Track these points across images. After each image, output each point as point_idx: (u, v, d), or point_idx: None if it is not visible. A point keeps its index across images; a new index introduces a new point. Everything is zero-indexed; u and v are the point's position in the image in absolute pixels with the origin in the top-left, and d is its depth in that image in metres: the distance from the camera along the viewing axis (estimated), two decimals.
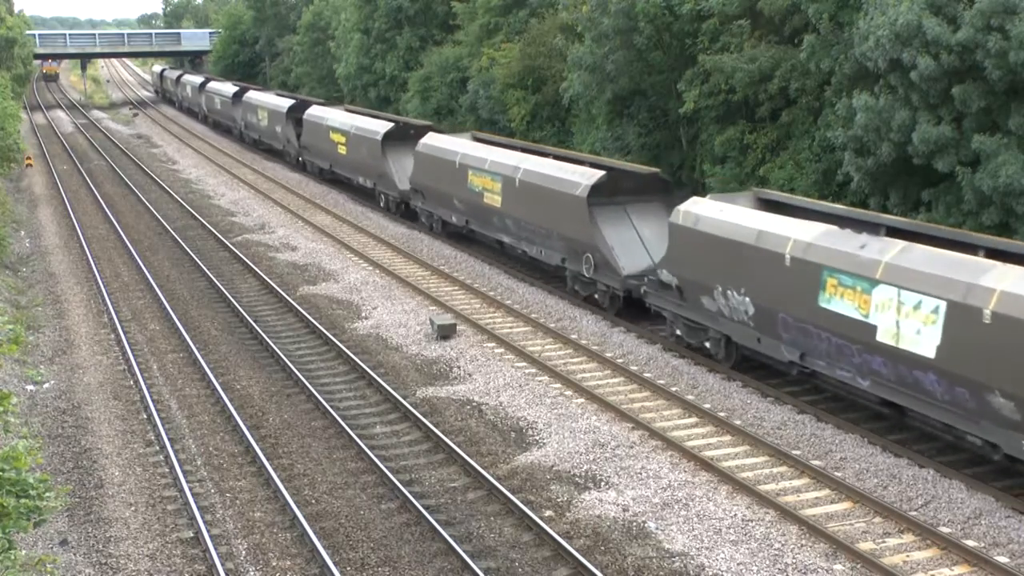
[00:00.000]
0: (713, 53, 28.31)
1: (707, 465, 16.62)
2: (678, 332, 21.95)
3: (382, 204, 38.90)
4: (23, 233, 36.96)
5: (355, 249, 32.62)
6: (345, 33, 59.15)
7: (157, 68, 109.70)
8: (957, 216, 20.60)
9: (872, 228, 18.05)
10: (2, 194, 40.25)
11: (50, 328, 25.25)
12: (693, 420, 18.66)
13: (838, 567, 13.67)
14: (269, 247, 34.05)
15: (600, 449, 17.42)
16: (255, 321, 25.09)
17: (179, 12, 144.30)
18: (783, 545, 14.20)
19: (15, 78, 66.73)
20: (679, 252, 21.20)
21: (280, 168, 51.20)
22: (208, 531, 14.81)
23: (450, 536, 14.48)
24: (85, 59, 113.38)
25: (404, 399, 19.76)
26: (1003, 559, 13.73)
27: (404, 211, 37.14)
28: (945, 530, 14.51)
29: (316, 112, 45.42)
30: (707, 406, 19.18)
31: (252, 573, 13.93)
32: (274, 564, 14.14)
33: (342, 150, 41.40)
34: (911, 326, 15.89)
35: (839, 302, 17.21)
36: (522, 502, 15.48)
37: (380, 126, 37.94)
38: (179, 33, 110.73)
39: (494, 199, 28.60)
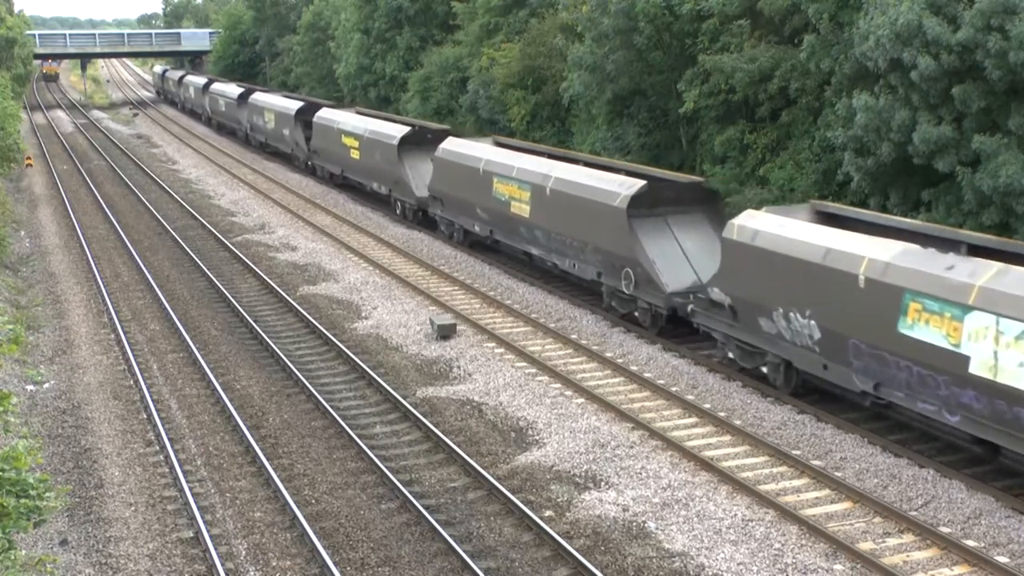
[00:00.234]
0: (713, 53, 28.32)
1: (707, 465, 16.62)
2: (730, 355, 20.49)
3: (398, 211, 37.27)
4: (23, 233, 36.97)
5: (355, 249, 32.62)
6: (345, 33, 59.16)
7: (158, 69, 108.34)
8: (957, 216, 20.60)
9: (950, 245, 16.68)
10: (2, 194, 40.25)
11: (50, 328, 25.25)
12: (693, 420, 18.66)
13: (838, 567, 13.67)
14: (269, 247, 34.05)
15: (600, 449, 17.42)
16: (255, 321, 25.09)
17: (179, 12, 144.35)
18: (783, 545, 14.20)
19: (15, 78, 66.72)
20: (733, 269, 19.73)
21: (280, 168, 51.19)
22: (208, 531, 14.81)
23: (450, 536, 14.48)
24: (85, 59, 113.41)
25: (404, 399, 19.76)
26: (1003, 559, 13.73)
27: (421, 219, 35.47)
28: (945, 530, 14.51)
29: (327, 115, 43.91)
30: (707, 406, 19.17)
31: (252, 573, 13.93)
32: (274, 564, 14.14)
33: (355, 154, 39.82)
34: (1013, 358, 14.39)
35: (923, 329, 15.65)
36: (522, 502, 15.48)
37: (396, 130, 36.51)
38: (179, 33, 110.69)
39: (522, 209, 27.15)
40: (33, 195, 45.77)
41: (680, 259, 22.82)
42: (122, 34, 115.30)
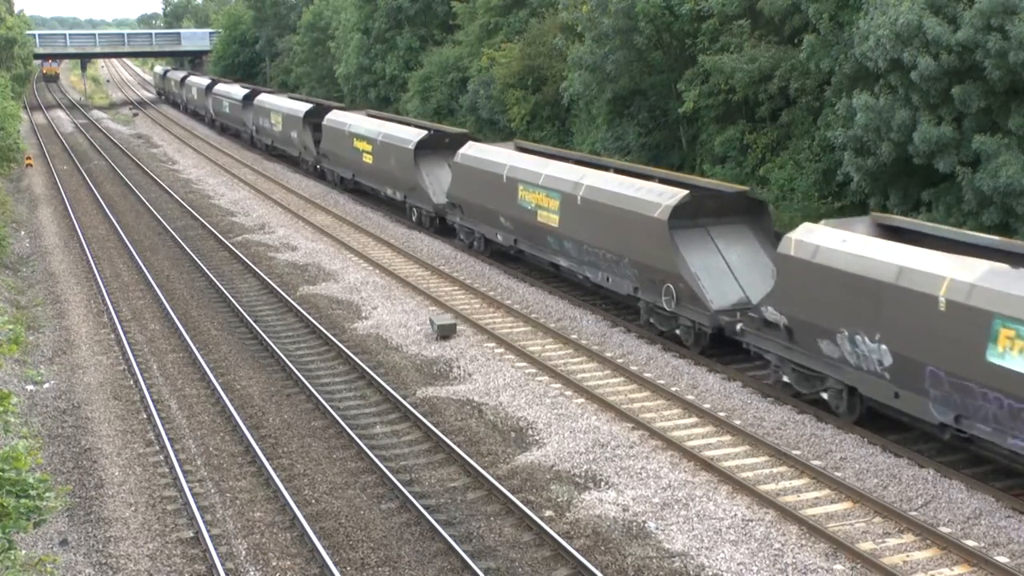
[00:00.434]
0: (713, 53, 28.33)
1: (707, 465, 16.61)
2: (785, 378, 19.15)
3: (414, 219, 35.71)
4: (23, 233, 36.97)
5: (355, 249, 32.61)
6: (345, 33, 59.18)
7: (159, 69, 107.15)
8: (957, 216, 20.60)
9: None
10: (2, 194, 40.26)
11: (50, 328, 25.25)
12: (693, 420, 18.66)
13: (838, 567, 13.67)
14: (269, 247, 34.05)
15: (600, 449, 17.42)
16: (255, 321, 25.09)
17: (179, 12, 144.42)
18: (783, 545, 14.20)
19: (15, 78, 66.73)
20: (791, 288, 18.38)
21: (280, 168, 51.19)
22: (208, 531, 14.81)
23: (450, 536, 14.48)
24: (85, 59, 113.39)
25: (404, 399, 19.76)
26: (1003, 559, 13.73)
27: (439, 227, 34.03)
28: (945, 530, 14.50)
29: (337, 117, 42.37)
30: (707, 406, 19.17)
31: (252, 573, 13.93)
32: (274, 564, 14.14)
33: (367, 159, 38.29)
34: None
35: (1017, 358, 14.33)
36: (522, 502, 15.48)
37: (412, 134, 34.91)
38: (179, 33, 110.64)
39: (550, 218, 25.74)
40: (33, 195, 45.77)
41: (725, 274, 21.55)
42: (122, 34, 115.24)
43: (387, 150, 36.24)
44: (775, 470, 16.57)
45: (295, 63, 73.42)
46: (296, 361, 22.26)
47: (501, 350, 22.67)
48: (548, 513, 15.39)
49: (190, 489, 16.10)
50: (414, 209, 35.54)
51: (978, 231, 20.12)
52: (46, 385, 21.28)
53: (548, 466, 16.96)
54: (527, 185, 26.81)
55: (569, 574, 13.77)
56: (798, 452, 17.21)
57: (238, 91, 61.89)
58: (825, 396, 18.31)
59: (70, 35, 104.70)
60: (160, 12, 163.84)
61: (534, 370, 21.35)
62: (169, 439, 18.08)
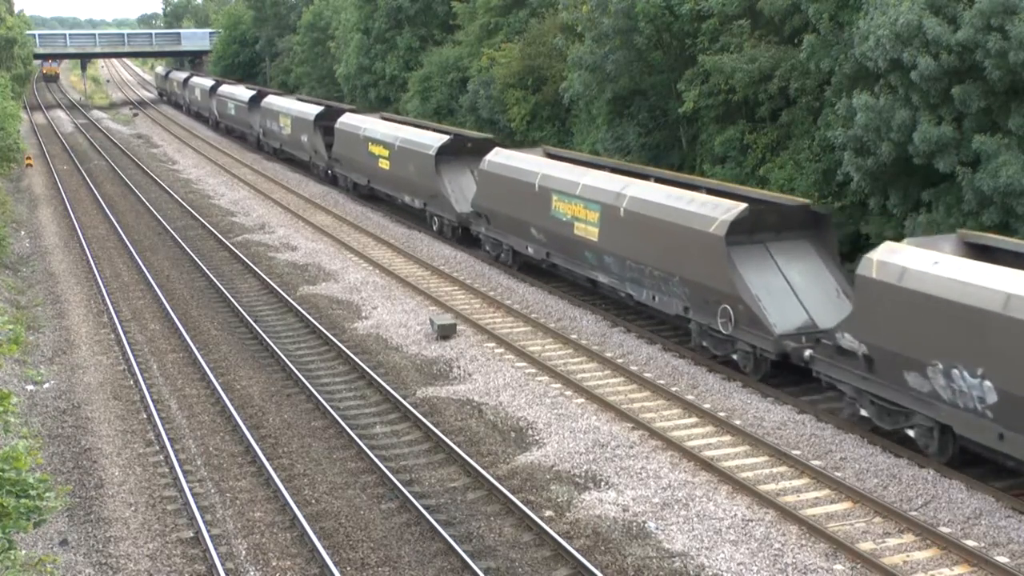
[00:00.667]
0: (713, 53, 28.31)
1: (707, 465, 16.62)
2: (863, 412, 17.56)
3: (435, 228, 34.07)
4: (23, 233, 36.97)
5: (355, 249, 32.61)
6: (345, 33, 59.16)
7: (161, 70, 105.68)
8: (957, 216, 20.59)
9: None
10: (2, 194, 40.27)
11: (50, 328, 25.25)
12: (693, 420, 18.66)
13: (838, 567, 13.67)
14: (269, 247, 34.05)
15: (600, 449, 17.42)
16: (255, 321, 25.10)
17: (179, 12, 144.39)
18: (783, 545, 14.20)
19: (15, 78, 66.71)
20: (872, 313, 16.82)
21: (280, 168, 51.19)
22: (208, 531, 14.81)
23: (450, 536, 14.48)
24: (85, 59, 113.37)
25: (404, 399, 19.76)
26: (1003, 559, 13.73)
27: (461, 237, 32.44)
28: (945, 530, 14.51)
29: (350, 121, 40.95)
30: (707, 406, 19.17)
31: (252, 573, 13.94)
32: (274, 564, 14.14)
33: (384, 164, 36.72)
34: None
35: None
36: (522, 502, 15.48)
37: (432, 139, 33.40)
38: (179, 33, 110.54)
39: (588, 231, 24.16)
40: (33, 195, 45.77)
41: (787, 295, 19.97)
42: (122, 34, 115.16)
43: (406, 156, 34.79)
44: (775, 470, 16.57)
45: (295, 63, 73.40)
46: (296, 361, 22.26)
47: (501, 350, 22.67)
48: (548, 513, 15.39)
49: (190, 489, 16.10)
50: (435, 218, 33.92)
51: (978, 231, 20.14)
52: (46, 385, 21.28)
53: (548, 466, 16.96)
54: (562, 195, 25.26)
55: (569, 574, 13.77)
56: (798, 452, 17.21)
57: (244, 93, 60.60)
58: (911, 433, 16.70)
59: (70, 35, 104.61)
60: (160, 12, 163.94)
61: (534, 370, 21.35)
62: (169, 439, 18.08)
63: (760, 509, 15.25)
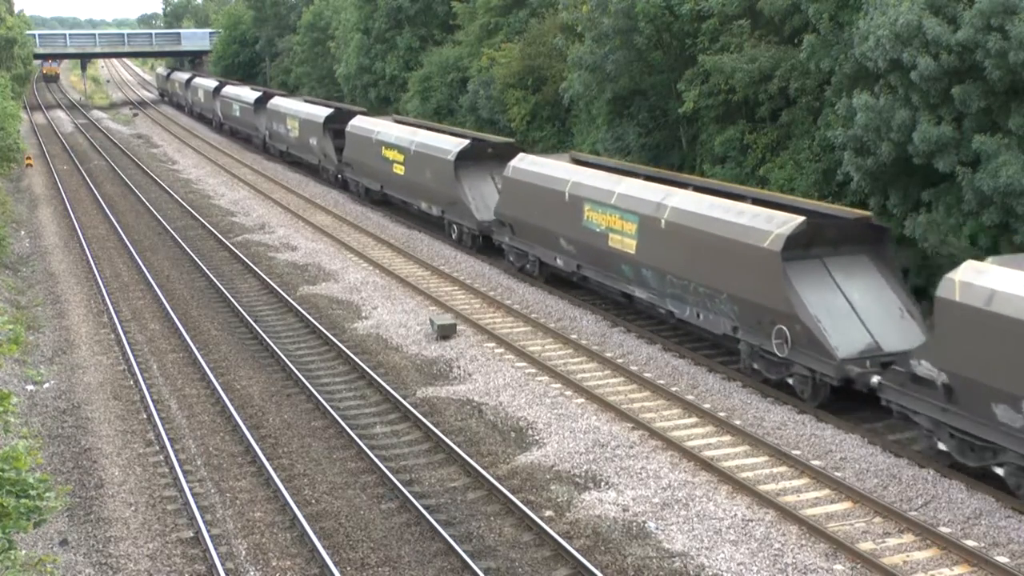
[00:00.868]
0: (713, 53, 28.32)
1: (707, 465, 16.62)
2: (941, 446, 16.19)
3: (454, 236, 32.67)
4: (23, 233, 36.98)
5: (355, 249, 32.62)
6: (345, 33, 59.17)
7: (162, 70, 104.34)
8: (957, 216, 20.59)
9: None
10: (2, 194, 40.27)
11: (50, 328, 25.25)
12: (693, 420, 18.66)
13: (838, 567, 13.67)
14: (269, 247, 34.05)
15: (600, 449, 17.42)
16: (255, 321, 25.10)
17: (179, 12, 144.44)
18: (783, 545, 14.21)
19: (15, 78, 66.71)
20: (955, 340, 15.53)
21: (280, 168, 51.20)
22: (208, 531, 14.82)
23: (450, 536, 14.48)
24: (85, 59, 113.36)
25: (404, 399, 19.76)
26: (1003, 559, 13.73)
27: (482, 246, 31.21)
28: (945, 530, 14.51)
29: (362, 123, 39.48)
30: (707, 406, 19.17)
31: (252, 573, 13.94)
32: (274, 564, 14.14)
33: (398, 170, 35.37)
34: None
35: None
36: (522, 502, 15.48)
37: (451, 144, 31.98)
38: (179, 33, 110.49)
39: (625, 243, 22.84)
40: (33, 195, 45.78)
41: (848, 315, 18.58)
42: (122, 34, 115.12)
43: (422, 161, 33.40)
44: (775, 470, 16.57)
45: (295, 63, 73.40)
46: (296, 361, 22.26)
47: (501, 350, 22.67)
48: (548, 513, 15.39)
49: (190, 489, 16.10)
50: (454, 226, 32.52)
51: (978, 231, 20.13)
52: (46, 385, 21.28)
53: (548, 466, 16.96)
54: (596, 204, 23.89)
55: (569, 574, 13.77)
56: (798, 452, 17.21)
57: (249, 94, 59.23)
58: (1000, 472, 15.37)
59: (70, 35, 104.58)
60: (160, 12, 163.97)
61: (534, 370, 21.35)
62: (169, 439, 18.08)
63: (760, 509, 15.25)
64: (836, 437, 17.69)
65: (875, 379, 17.31)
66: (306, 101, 50.97)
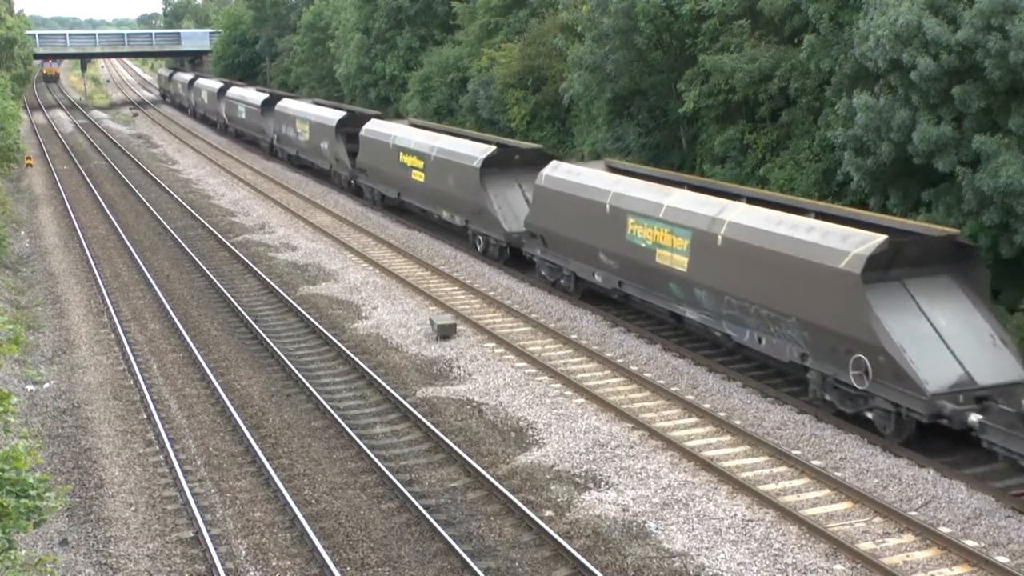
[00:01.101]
0: (713, 53, 28.33)
1: (707, 465, 16.62)
2: None
3: (479, 248, 30.88)
4: (23, 233, 36.97)
5: (355, 249, 32.62)
6: (345, 33, 59.19)
7: (164, 71, 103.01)
8: (957, 216, 20.60)
9: None
10: (2, 194, 40.27)
11: (50, 328, 25.25)
12: (693, 420, 18.66)
13: (838, 567, 13.67)
14: (269, 247, 34.05)
15: (600, 449, 17.42)
16: (255, 321, 25.10)
17: (179, 12, 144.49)
18: (783, 545, 14.21)
19: (15, 78, 66.70)
20: None
21: (280, 168, 51.20)
22: (208, 531, 14.82)
23: (450, 536, 14.48)
24: (85, 59, 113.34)
25: (404, 399, 19.76)
26: (1003, 559, 13.73)
27: (510, 258, 29.47)
28: (945, 530, 14.51)
29: (377, 128, 37.77)
30: (707, 406, 19.17)
31: (252, 573, 13.94)
32: (274, 564, 14.14)
33: (418, 176, 33.68)
34: None
35: None
36: (522, 502, 15.48)
37: (477, 150, 30.31)
38: (179, 33, 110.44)
39: (675, 260, 21.24)
40: (33, 195, 45.78)
41: (936, 344, 16.81)
42: (122, 34, 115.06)
43: (444, 167, 31.72)
44: (775, 470, 16.57)
45: (295, 63, 73.42)
46: (296, 361, 22.26)
47: (501, 350, 22.67)
48: (548, 513, 15.40)
49: (190, 489, 16.10)
50: (479, 237, 30.74)
51: (978, 231, 20.13)
52: (46, 385, 21.28)
53: (548, 466, 16.96)
54: (641, 218, 22.29)
55: (569, 574, 13.77)
56: (798, 452, 17.21)
57: (256, 96, 57.28)
58: None
59: (70, 35, 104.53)
60: (160, 12, 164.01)
61: (534, 370, 21.35)
62: (169, 439, 18.08)
63: (760, 509, 15.25)
64: (836, 437, 17.69)
65: (974, 418, 15.77)
66: (315, 103, 49.29)
